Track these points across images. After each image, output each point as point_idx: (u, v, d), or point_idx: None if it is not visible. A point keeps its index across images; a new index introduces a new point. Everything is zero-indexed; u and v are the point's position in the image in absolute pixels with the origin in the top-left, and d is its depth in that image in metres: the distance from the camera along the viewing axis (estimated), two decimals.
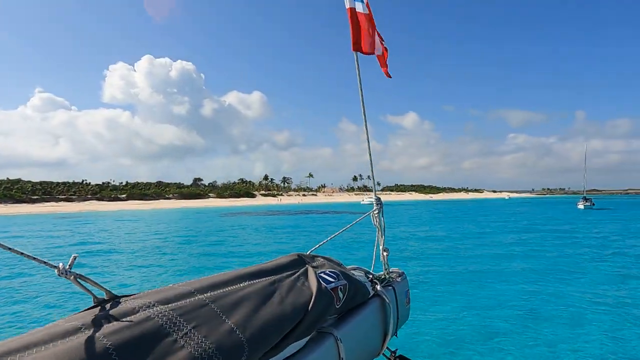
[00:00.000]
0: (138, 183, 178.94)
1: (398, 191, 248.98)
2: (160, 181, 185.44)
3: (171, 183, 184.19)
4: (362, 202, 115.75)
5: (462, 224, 40.09)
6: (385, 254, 1.86)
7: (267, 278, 1.09)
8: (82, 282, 0.91)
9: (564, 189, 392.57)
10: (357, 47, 2.09)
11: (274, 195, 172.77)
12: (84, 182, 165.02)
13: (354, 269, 1.63)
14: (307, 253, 1.47)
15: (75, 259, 0.93)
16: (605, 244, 23.12)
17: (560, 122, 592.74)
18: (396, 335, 1.63)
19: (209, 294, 0.95)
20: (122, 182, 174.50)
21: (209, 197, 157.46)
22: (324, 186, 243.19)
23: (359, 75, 2.03)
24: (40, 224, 44.95)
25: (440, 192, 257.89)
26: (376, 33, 2.22)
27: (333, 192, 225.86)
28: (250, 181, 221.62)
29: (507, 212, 64.57)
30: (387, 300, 1.53)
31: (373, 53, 2.21)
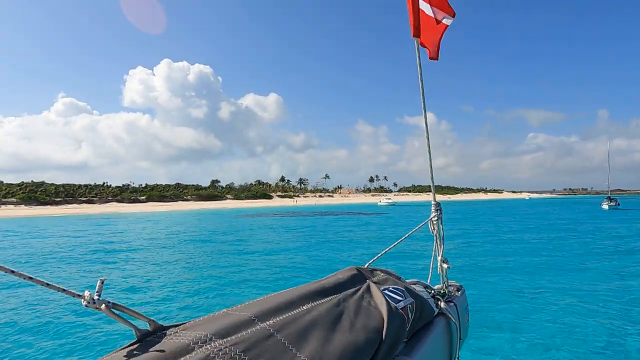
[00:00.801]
0: (157, 185, 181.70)
1: (415, 192, 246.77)
2: (178, 183, 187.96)
3: (189, 185, 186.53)
4: (379, 204, 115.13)
5: (488, 225, 39.34)
6: (445, 266, 1.69)
7: (330, 298, 0.96)
8: (118, 312, 0.76)
9: (586, 189, 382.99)
10: (417, 32, 1.95)
11: (290, 197, 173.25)
12: (105, 184, 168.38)
13: (414, 283, 1.48)
14: (365, 266, 1.32)
15: (103, 283, 0.78)
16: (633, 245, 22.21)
17: (581, 122, 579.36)
18: (458, 358, 1.46)
19: (271, 321, 0.82)
20: (141, 185, 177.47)
21: (227, 198, 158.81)
22: (340, 187, 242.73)
23: (420, 65, 1.85)
24: (67, 225, 45.93)
25: (458, 193, 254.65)
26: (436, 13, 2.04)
27: (349, 193, 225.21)
28: (267, 183, 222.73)
29: (529, 213, 63.19)
30: (452, 319, 1.38)
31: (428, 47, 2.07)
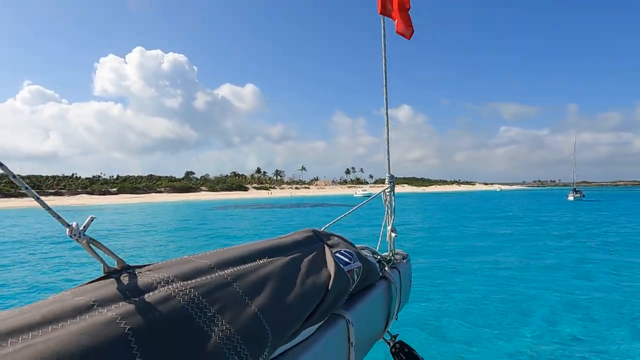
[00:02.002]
0: (129, 177, 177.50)
1: None
2: (151, 174, 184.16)
3: (163, 176, 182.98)
4: (355, 195, 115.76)
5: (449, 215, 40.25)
6: (393, 234, 1.80)
7: (286, 255, 1.01)
8: (94, 248, 0.79)
9: (554, 181, 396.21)
10: (384, 10, 1.87)
11: (266, 189, 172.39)
12: (74, 175, 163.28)
13: (363, 249, 1.54)
14: (322, 230, 1.36)
15: (92, 220, 0.83)
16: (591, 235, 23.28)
17: (552, 115, 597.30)
18: (396, 318, 1.61)
19: (229, 271, 0.85)
20: (112, 176, 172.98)
21: (201, 190, 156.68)
22: (316, 179, 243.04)
23: (384, 43, 1.83)
24: (30, 217, 44.34)
25: (432, 185, 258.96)
26: None
27: (326, 185, 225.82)
28: (242, 174, 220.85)
29: (497, 205, 64.99)
30: (393, 283, 1.50)
31: (400, 23, 1.98)
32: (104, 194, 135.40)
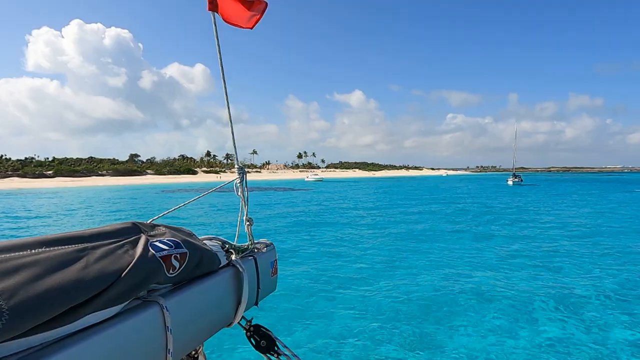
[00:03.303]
0: (67, 159, 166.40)
1: (342, 168, 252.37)
2: (92, 157, 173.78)
3: (105, 159, 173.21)
4: (306, 179, 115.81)
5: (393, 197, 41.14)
6: (248, 224, 1.83)
7: (76, 245, 1.01)
8: None
9: (495, 166, 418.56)
10: (213, 7, 1.84)
11: (216, 172, 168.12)
12: (3, 157, 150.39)
13: (209, 239, 1.57)
14: (148, 222, 1.38)
15: None
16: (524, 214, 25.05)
17: (496, 104, 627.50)
18: (256, 305, 1.64)
19: (9, 255, 0.88)
20: (48, 158, 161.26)
21: (147, 174, 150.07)
22: (268, 163, 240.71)
23: (217, 38, 1.84)
24: None
25: (382, 170, 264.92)
26: None
27: (277, 169, 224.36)
28: (191, 157, 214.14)
29: (447, 188, 67.52)
30: (241, 270, 1.52)
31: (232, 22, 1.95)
32: (37, 177, 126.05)
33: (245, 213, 1.86)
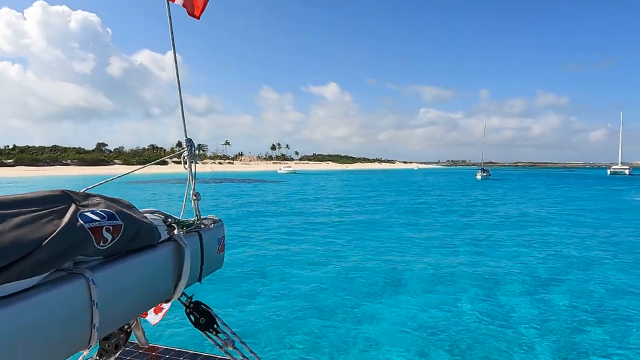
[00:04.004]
0: (29, 147, 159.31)
1: (316, 161, 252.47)
2: (56, 145, 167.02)
3: (69, 148, 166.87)
4: (279, 171, 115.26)
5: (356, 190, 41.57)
6: (194, 199, 1.79)
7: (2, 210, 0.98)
8: None
9: (465, 160, 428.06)
10: None
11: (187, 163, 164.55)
12: None
13: (150, 212, 1.54)
14: (82, 191, 1.32)
15: None
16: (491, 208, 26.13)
17: (467, 99, 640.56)
18: (199, 282, 1.61)
19: None
20: (8, 146, 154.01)
21: (115, 164, 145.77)
22: (241, 154, 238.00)
23: (171, 29, 1.83)
24: None
25: (355, 162, 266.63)
26: None
27: (250, 160, 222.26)
28: (162, 147, 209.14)
29: (416, 181, 68.54)
30: (183, 245, 1.48)
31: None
32: None
33: (192, 187, 1.80)
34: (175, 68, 1.89)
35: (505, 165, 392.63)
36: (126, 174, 2.07)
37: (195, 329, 1.68)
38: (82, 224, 1.08)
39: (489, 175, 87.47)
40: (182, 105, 1.93)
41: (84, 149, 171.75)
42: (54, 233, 0.98)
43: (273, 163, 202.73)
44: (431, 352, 6.83)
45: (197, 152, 1.93)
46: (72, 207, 1.13)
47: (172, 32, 1.84)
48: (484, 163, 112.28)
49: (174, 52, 1.87)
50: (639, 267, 12.20)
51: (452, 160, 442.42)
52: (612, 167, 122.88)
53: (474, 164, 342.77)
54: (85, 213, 1.13)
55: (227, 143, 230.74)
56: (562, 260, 12.98)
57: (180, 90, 1.92)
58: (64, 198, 1.17)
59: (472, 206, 30.26)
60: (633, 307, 8.82)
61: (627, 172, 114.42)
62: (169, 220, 1.56)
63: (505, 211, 26.95)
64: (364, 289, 10.01)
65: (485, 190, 47.66)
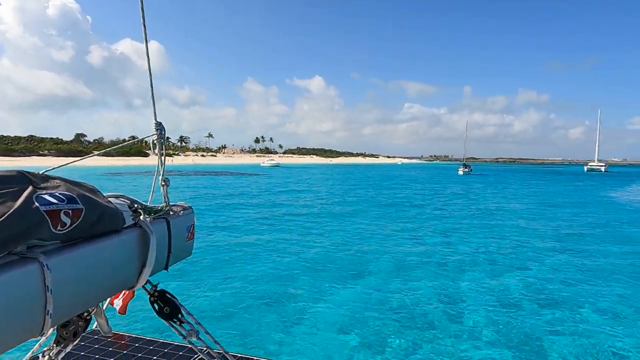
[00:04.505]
0: (3, 137, 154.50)
1: (300, 154, 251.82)
2: (32, 135, 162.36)
3: (46, 138, 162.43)
4: (261, 164, 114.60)
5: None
6: (163, 184, 1.73)
7: None
8: None
9: (447, 156, 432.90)
10: None
11: (169, 155, 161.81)
12: None
13: (115, 197, 1.47)
14: (42, 173, 1.28)
15: None
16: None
17: (450, 95, 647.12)
18: (166, 270, 1.57)
19: None
20: None
21: (94, 155, 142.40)
22: (224, 147, 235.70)
23: (143, 14, 1.75)
24: None
25: (339, 156, 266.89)
26: None
27: (234, 153, 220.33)
28: (143, 139, 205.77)
29: (399, 175, 68.95)
30: (148, 232, 1.43)
31: None
32: None
33: (161, 173, 1.74)
34: (146, 51, 1.76)
35: (486, 161, 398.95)
36: (89, 156, 2.01)
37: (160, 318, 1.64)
38: (37, 206, 1.03)
39: (471, 170, 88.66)
40: (152, 87, 1.81)
41: (61, 139, 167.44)
42: (5, 215, 0.94)
43: (257, 156, 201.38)
44: (384, 330, 7.44)
45: (166, 137, 1.81)
46: (29, 189, 1.08)
47: (142, 9, 1.72)
48: (466, 158, 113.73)
49: (145, 34, 1.75)
50: (586, 256, 13.54)
51: (435, 155, 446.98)
52: (589, 164, 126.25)
53: (456, 159, 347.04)
54: (43, 195, 1.08)
55: (210, 135, 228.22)
56: (517, 249, 14.47)
57: (150, 73, 1.79)
58: (21, 179, 1.12)
59: (450, 201, 31.76)
60: (577, 292, 9.85)
61: (603, 169, 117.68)
62: (135, 205, 1.49)
63: (480, 206, 28.40)
64: (330, 277, 10.50)
65: (465, 185, 48.51)
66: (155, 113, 1.82)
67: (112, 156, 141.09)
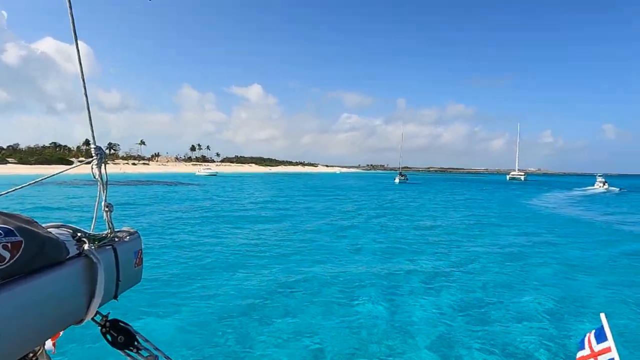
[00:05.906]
0: None
1: (238, 163, 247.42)
2: None
3: None
4: (197, 173, 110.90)
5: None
6: (107, 210, 1.64)
7: None
8: None
9: (383, 165, 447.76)
10: None
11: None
12: None
13: (56, 227, 1.39)
14: None
15: None
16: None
17: (386, 107, 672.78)
18: (116, 299, 1.49)
19: None
20: None
21: (7, 162, 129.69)
22: (157, 155, 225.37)
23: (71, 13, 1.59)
24: None
25: (279, 165, 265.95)
26: None
27: (168, 161, 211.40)
28: (66, 146, 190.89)
29: (339, 185, 69.91)
30: (95, 261, 1.37)
31: None
32: None
33: (104, 198, 1.65)
34: (79, 66, 1.55)
35: (420, 170, 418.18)
36: (29, 184, 1.64)
37: (114, 348, 1.56)
38: None
39: (407, 179, 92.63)
40: (88, 109, 1.62)
41: None
42: None
43: (192, 164, 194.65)
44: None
45: (107, 160, 1.60)
46: None
47: (72, 16, 1.52)
48: (401, 168, 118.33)
49: (76, 43, 1.55)
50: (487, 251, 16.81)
51: (372, 165, 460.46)
52: (511, 173, 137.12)
53: (392, 168, 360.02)
54: None
55: (142, 142, 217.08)
56: (432, 247, 17.23)
57: (86, 91, 1.60)
58: None
59: (385, 207, 35.12)
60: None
61: (522, 178, 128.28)
62: (78, 234, 1.41)
63: (412, 211, 31.90)
64: (288, 292, 10.72)
65: (402, 192, 51.07)
66: (93, 137, 1.66)
67: (31, 164, 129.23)
